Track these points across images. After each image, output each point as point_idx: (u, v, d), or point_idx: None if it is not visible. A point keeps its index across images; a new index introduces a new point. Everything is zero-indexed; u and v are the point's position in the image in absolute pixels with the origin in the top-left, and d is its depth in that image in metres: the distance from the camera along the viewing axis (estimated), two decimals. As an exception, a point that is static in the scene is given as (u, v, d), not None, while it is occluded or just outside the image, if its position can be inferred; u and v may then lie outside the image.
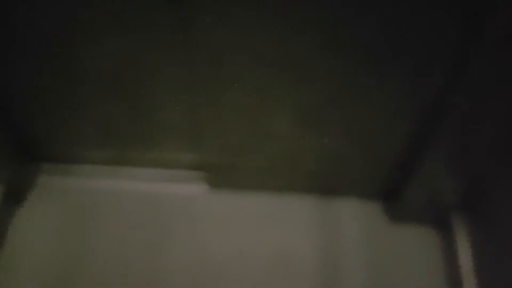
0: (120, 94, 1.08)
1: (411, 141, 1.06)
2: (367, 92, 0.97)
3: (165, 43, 0.95)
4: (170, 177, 1.27)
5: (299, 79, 0.96)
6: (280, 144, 1.12)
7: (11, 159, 1.23)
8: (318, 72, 0.94)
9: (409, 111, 1.00)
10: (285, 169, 1.20)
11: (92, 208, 1.24)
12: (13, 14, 0.92)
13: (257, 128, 1.09)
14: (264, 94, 1.00)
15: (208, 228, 1.22)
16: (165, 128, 1.16)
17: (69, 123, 1.17)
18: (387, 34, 0.86)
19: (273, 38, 0.89)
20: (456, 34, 0.83)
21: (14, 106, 1.13)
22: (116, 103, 1.10)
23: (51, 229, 1.21)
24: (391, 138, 1.07)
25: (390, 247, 1.20)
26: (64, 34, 0.95)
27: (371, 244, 1.21)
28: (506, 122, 0.93)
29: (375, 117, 1.02)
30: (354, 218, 1.23)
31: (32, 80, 1.06)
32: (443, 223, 1.19)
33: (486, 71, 0.85)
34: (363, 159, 1.14)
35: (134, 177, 1.27)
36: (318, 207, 1.25)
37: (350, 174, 1.20)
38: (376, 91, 0.96)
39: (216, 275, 1.17)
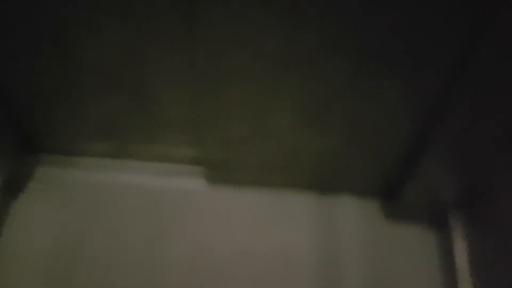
0: (121, 87, 1.08)
1: (411, 141, 1.06)
2: (368, 91, 0.97)
3: (167, 37, 0.95)
4: (169, 171, 1.27)
5: (300, 77, 0.96)
6: (281, 141, 1.12)
7: (10, 150, 1.23)
8: (319, 70, 0.94)
9: (409, 111, 1.00)
10: (285, 166, 1.20)
11: (90, 200, 1.24)
12: (14, 9, 0.92)
13: (257, 124, 1.09)
14: (266, 91, 1.01)
15: (206, 224, 1.22)
16: (165, 122, 1.16)
17: (69, 116, 1.17)
18: (388, 34, 0.86)
19: (276, 36, 0.89)
20: (456, 34, 0.83)
21: (14, 98, 1.13)
22: (116, 96, 1.10)
23: (49, 220, 1.21)
24: (391, 137, 1.07)
25: (388, 245, 1.21)
26: (64, 27, 0.95)
27: (369, 242, 1.21)
28: (506, 122, 0.93)
29: (375, 116, 1.02)
30: (353, 216, 1.24)
31: (33, 72, 1.06)
32: (441, 222, 1.19)
33: (486, 70, 0.85)
34: (362, 158, 1.14)
35: (133, 170, 1.27)
36: (317, 204, 1.25)
37: (350, 172, 1.20)
38: (377, 91, 0.96)
39: (214, 271, 1.17)
